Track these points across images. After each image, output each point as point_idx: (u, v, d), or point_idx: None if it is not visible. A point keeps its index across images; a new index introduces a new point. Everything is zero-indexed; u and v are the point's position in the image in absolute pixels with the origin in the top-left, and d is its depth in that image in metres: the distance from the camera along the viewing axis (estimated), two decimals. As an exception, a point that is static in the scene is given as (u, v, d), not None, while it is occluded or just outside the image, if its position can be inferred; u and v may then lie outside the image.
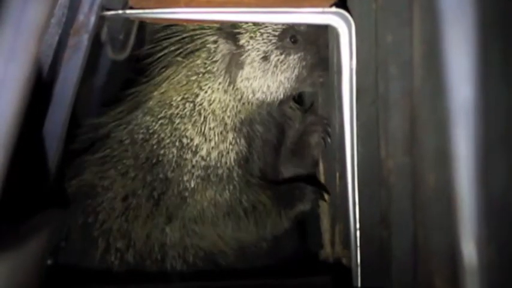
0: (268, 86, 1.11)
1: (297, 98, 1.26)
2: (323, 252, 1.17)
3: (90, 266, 1.11)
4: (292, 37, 1.10)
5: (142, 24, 1.23)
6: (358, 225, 0.98)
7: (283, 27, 1.10)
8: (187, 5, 1.03)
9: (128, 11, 1.05)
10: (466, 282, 0.66)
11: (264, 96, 1.12)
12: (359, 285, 0.99)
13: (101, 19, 1.03)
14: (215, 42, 1.10)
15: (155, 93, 1.13)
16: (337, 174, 1.09)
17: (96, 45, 1.10)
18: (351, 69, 0.98)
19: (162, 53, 1.12)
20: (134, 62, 1.20)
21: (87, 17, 0.97)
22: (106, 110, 1.17)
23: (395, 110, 0.86)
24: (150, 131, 1.11)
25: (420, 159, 0.80)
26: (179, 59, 1.11)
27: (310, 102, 1.28)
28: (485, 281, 0.66)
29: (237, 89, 1.10)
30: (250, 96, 1.11)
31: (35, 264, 0.82)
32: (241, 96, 1.11)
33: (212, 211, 1.12)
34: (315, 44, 1.11)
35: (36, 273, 0.84)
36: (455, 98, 0.64)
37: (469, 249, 0.66)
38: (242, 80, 1.10)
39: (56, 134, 0.98)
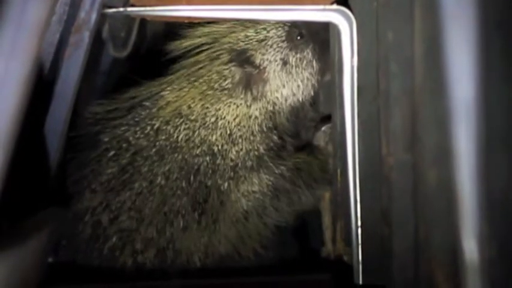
0: (298, 86, 1.13)
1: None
2: (324, 249, 1.17)
3: (95, 264, 1.11)
4: (298, 34, 1.11)
5: (144, 21, 1.23)
6: (359, 223, 0.99)
7: (286, 30, 1.11)
8: (188, 3, 1.03)
9: (129, 9, 1.05)
10: (467, 279, 0.66)
11: (296, 98, 1.15)
12: (360, 282, 0.99)
13: (102, 17, 1.03)
14: (229, 69, 1.11)
15: (167, 102, 1.13)
16: (339, 171, 1.09)
17: (97, 42, 1.10)
18: (352, 67, 0.98)
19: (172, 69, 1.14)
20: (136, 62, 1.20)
21: (89, 15, 0.97)
22: (117, 113, 1.16)
23: (396, 107, 0.86)
24: (178, 143, 1.11)
25: (421, 157, 0.80)
26: (190, 76, 1.13)
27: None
28: (487, 278, 0.66)
29: (267, 102, 1.13)
30: (282, 104, 1.14)
31: (35, 262, 0.83)
32: (273, 107, 1.14)
33: (255, 204, 1.13)
34: (317, 31, 1.12)
35: (36, 271, 0.84)
36: (456, 95, 0.64)
37: (470, 246, 0.66)
38: (272, 93, 1.12)
39: (57, 131, 0.98)
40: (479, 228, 0.66)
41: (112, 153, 1.12)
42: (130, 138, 1.12)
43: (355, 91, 0.98)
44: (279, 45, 1.11)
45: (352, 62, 0.98)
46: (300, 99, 1.15)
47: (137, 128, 1.12)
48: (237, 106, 1.12)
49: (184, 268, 1.12)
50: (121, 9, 1.05)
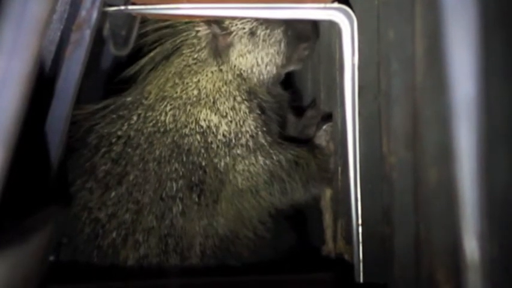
0: (262, 58, 1.15)
1: (297, 94, 1.27)
2: (325, 248, 1.17)
3: (97, 263, 1.11)
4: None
5: (145, 20, 1.23)
6: (360, 221, 0.99)
7: None
8: (189, 1, 1.03)
9: (130, 7, 1.05)
10: (468, 278, 0.66)
11: (260, 70, 1.15)
12: (361, 281, 0.99)
13: (103, 15, 1.03)
14: (196, 36, 1.13)
15: (149, 92, 1.15)
16: (339, 170, 1.09)
17: (98, 40, 1.10)
18: (353, 65, 0.98)
19: (145, 57, 1.15)
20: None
21: (89, 13, 0.97)
22: (103, 113, 1.17)
23: (397, 105, 0.86)
24: (166, 126, 1.12)
25: (422, 155, 0.80)
26: (161, 60, 1.15)
27: (312, 98, 1.28)
28: (487, 276, 0.66)
29: (234, 66, 1.14)
30: (248, 71, 1.15)
31: (37, 260, 0.83)
32: (240, 72, 1.15)
33: (249, 183, 1.13)
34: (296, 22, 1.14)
35: (38, 269, 0.84)
36: (457, 93, 0.64)
37: (471, 245, 0.66)
38: (236, 58, 1.14)
39: (58, 129, 0.98)
40: (480, 227, 0.66)
41: (103, 150, 1.13)
42: (119, 132, 1.13)
43: (356, 89, 0.98)
44: None
45: (353, 60, 0.99)
46: (266, 72, 1.16)
47: (123, 120, 1.14)
48: (212, 73, 1.14)
49: (185, 266, 1.12)
50: (122, 7, 1.05)
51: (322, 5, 1.01)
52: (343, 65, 0.99)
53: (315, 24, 1.17)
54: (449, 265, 0.76)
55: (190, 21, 1.12)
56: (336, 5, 1.00)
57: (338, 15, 0.99)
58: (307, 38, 1.18)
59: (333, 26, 1.04)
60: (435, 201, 0.78)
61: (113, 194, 1.11)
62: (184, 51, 1.14)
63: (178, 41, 1.14)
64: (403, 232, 0.87)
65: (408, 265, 0.86)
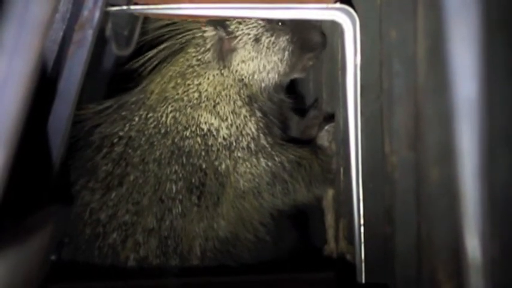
0: (265, 66, 1.14)
1: (299, 94, 1.27)
2: (327, 247, 1.17)
3: (97, 262, 1.11)
4: (280, 19, 1.12)
5: (147, 20, 1.23)
6: (362, 221, 0.99)
7: None
8: (191, 1, 1.03)
9: (133, 7, 1.05)
10: (470, 278, 0.66)
11: (262, 77, 1.15)
12: (363, 281, 0.99)
13: (106, 15, 1.03)
14: (202, 36, 1.13)
15: (151, 91, 1.14)
16: (342, 170, 1.09)
17: (100, 41, 1.10)
18: (355, 65, 0.98)
19: (149, 55, 1.14)
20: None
21: (92, 13, 0.97)
22: (106, 112, 1.17)
23: (399, 105, 0.86)
24: (167, 127, 1.12)
25: (424, 155, 0.80)
26: (166, 57, 1.14)
27: (314, 98, 1.28)
28: (489, 276, 0.66)
29: (235, 71, 1.14)
30: (250, 78, 1.14)
31: (38, 260, 0.83)
32: (242, 78, 1.14)
33: (251, 185, 1.13)
34: (300, 25, 1.14)
35: (39, 269, 0.84)
36: (459, 93, 0.64)
37: (472, 245, 0.66)
38: (238, 63, 1.13)
39: (60, 129, 0.98)
40: (482, 226, 0.66)
41: (105, 150, 1.13)
42: (121, 133, 1.13)
43: (358, 89, 0.98)
44: (258, 21, 1.12)
45: (355, 60, 0.99)
46: (268, 80, 1.16)
47: (125, 121, 1.14)
48: (214, 76, 1.13)
49: (185, 266, 1.12)
50: (124, 7, 1.05)
51: (324, 5, 1.01)
52: (345, 65, 0.99)
53: (321, 33, 1.17)
54: (450, 264, 0.76)
55: (197, 21, 1.12)
56: (338, 5, 1.00)
57: (340, 16, 0.99)
58: (312, 48, 1.17)
59: (335, 26, 1.04)
60: (437, 201, 0.77)
61: (114, 194, 1.11)
62: (189, 50, 1.14)
63: (185, 39, 1.13)
64: (405, 232, 0.86)
65: (410, 265, 0.86)
